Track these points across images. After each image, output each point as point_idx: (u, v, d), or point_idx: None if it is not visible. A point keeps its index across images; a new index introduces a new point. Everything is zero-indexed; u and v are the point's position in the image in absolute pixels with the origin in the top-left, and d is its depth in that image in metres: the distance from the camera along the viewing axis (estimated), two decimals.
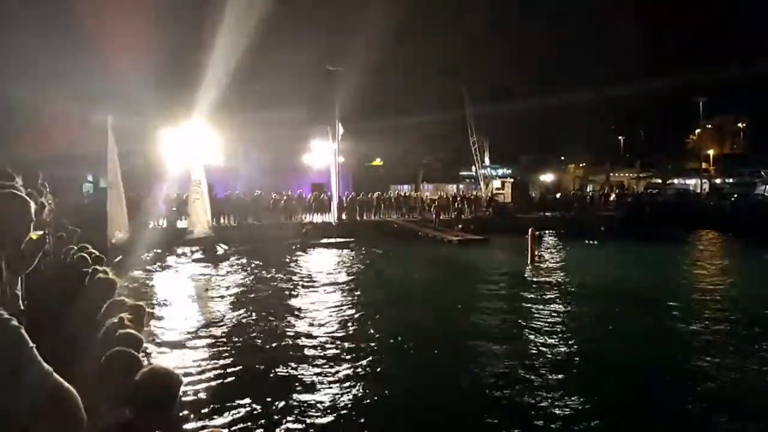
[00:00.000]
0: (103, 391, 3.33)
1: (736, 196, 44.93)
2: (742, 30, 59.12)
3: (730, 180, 52.94)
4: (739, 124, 62.98)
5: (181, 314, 12.40)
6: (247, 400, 7.56)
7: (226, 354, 9.63)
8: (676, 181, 55.48)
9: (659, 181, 54.41)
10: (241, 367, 8.93)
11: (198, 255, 21.31)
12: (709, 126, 61.79)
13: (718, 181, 54.20)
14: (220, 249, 21.68)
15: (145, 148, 29.77)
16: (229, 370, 8.77)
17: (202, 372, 8.68)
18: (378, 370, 8.97)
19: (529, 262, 19.79)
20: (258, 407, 7.39)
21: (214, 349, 9.87)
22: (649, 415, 7.52)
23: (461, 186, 48.79)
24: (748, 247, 25.36)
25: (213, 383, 8.23)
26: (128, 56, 27.57)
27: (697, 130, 62.64)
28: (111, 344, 3.98)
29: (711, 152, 58.52)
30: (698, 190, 50.97)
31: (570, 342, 10.65)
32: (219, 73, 30.08)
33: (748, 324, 11.91)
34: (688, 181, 55.23)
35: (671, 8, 59.19)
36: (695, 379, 8.74)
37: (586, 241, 26.68)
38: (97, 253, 6.11)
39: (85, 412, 2.11)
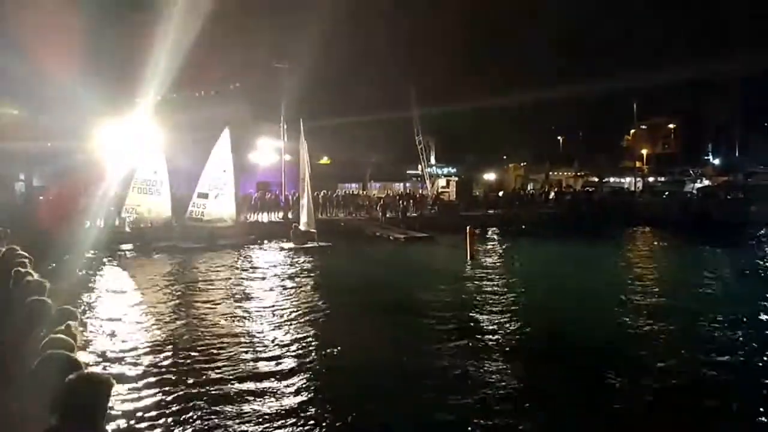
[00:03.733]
0: (36, 397, 3.30)
1: (667, 193, 47.18)
2: (676, 33, 61.88)
3: (662, 178, 55.55)
4: (670, 125, 66.06)
5: (118, 318, 12.11)
6: (183, 403, 7.55)
7: (162, 357, 9.52)
8: (611, 179, 57.71)
9: (596, 179, 56.45)
10: (174, 369, 8.88)
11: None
12: (643, 126, 64.58)
13: (651, 179, 56.73)
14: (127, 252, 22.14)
15: (82, 146, 28.73)
16: (164, 374, 8.71)
17: (138, 377, 8.55)
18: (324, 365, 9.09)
19: (468, 258, 20.36)
20: (195, 413, 7.38)
21: (150, 352, 9.72)
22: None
23: (408, 184, 49.22)
24: (676, 242, 26.86)
25: (149, 389, 8.12)
26: (63, 51, 26.57)
27: (632, 131, 65.32)
28: (42, 349, 3.94)
29: (645, 152, 61.24)
30: (632, 188, 53.21)
31: (503, 324, 11.61)
32: (160, 68, 29.37)
33: (661, 308, 12.94)
34: (623, 180, 57.58)
35: (606, 10, 61.34)
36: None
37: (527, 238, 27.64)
38: (26, 255, 5.96)
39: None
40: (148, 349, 9.84)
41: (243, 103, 36.52)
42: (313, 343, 10.35)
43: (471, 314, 12.57)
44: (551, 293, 15.00)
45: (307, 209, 24.10)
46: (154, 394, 7.85)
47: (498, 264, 20.28)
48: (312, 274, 18.18)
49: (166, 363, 9.17)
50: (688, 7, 61.52)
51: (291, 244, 23.59)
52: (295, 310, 13.03)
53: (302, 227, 23.93)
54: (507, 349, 10.12)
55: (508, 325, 11.69)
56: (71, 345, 4.26)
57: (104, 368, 8.56)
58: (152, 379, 8.42)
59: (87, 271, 17.51)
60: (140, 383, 8.23)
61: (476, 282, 16.52)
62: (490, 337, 10.86)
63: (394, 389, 8.21)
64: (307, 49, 37.22)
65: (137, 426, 6.94)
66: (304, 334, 10.96)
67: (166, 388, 8.09)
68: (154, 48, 28.95)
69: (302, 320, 12.06)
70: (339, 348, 10.02)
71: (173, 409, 7.38)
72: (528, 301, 14.12)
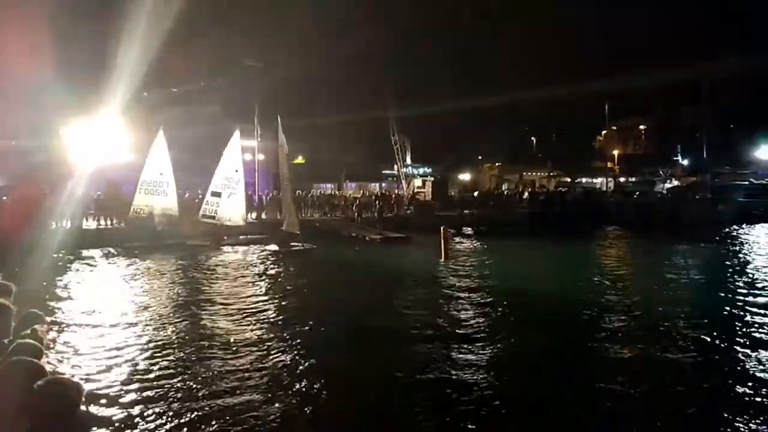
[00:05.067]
0: (3, 402, 3.16)
1: (638, 193, 48.06)
2: (646, 36, 63.28)
3: (633, 179, 56.60)
4: (641, 126, 67.42)
5: (86, 321, 11.71)
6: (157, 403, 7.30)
7: (133, 360, 9.21)
8: (584, 179, 58.57)
9: (568, 179, 57.23)
10: (148, 370, 8.61)
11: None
12: (615, 128, 65.77)
13: (622, 179, 57.76)
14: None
15: (47, 145, 28.01)
16: (135, 377, 8.42)
17: (107, 381, 8.24)
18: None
19: (443, 257, 20.42)
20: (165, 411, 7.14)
21: (120, 357, 9.38)
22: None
23: (384, 184, 49.19)
24: (646, 241, 27.37)
25: (117, 392, 7.84)
26: (27, 47, 25.84)
27: (604, 132, 66.47)
28: (8, 354, 3.74)
29: (616, 152, 62.37)
30: (604, 189, 54.08)
31: (474, 322, 11.84)
32: (130, 67, 28.78)
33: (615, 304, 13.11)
34: (594, 180, 58.48)
35: (582, 15, 62.41)
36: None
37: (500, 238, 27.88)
38: None
39: None
40: (117, 353, 9.51)
41: (215, 102, 36.06)
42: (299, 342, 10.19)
43: (444, 313, 12.71)
44: (523, 292, 15.14)
45: (288, 209, 23.94)
46: (125, 398, 7.58)
47: (472, 263, 20.32)
48: (296, 275, 18.01)
49: (136, 366, 8.88)
50: (660, 11, 62.98)
51: (275, 246, 23.27)
52: (279, 311, 12.85)
53: (284, 228, 23.66)
54: (478, 344, 10.25)
55: (478, 322, 11.86)
56: (38, 349, 4.05)
57: (72, 373, 8.23)
58: (123, 383, 8.13)
59: (53, 273, 16.96)
60: (110, 387, 7.93)
61: (450, 281, 16.74)
62: (462, 333, 11.01)
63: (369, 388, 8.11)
64: (281, 48, 36.95)
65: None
66: (290, 336, 10.77)
67: (137, 392, 7.81)
68: (123, 46, 28.38)
69: (288, 323, 11.87)
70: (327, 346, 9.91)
71: (142, 413, 7.13)
72: (499, 300, 14.21)
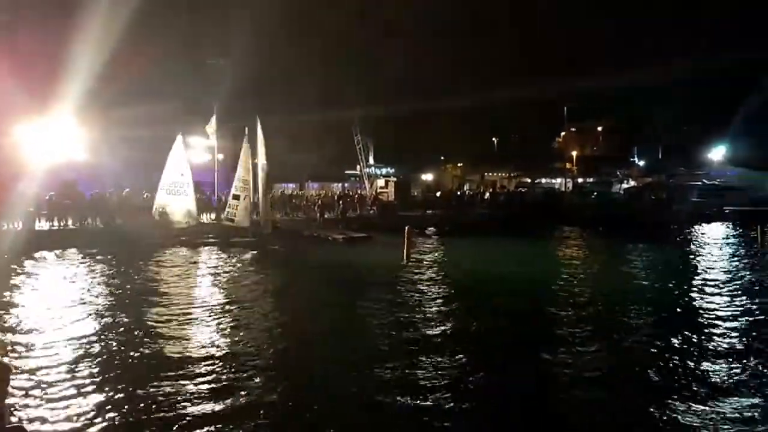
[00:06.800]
0: None
1: (595, 194, 49.19)
2: (605, 42, 64.80)
3: (591, 179, 57.92)
4: (599, 128, 69.06)
5: (40, 322, 11.40)
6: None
7: (84, 356, 9.08)
8: (543, 180, 59.65)
9: (528, 180, 58.19)
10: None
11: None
12: (573, 129, 67.18)
13: (580, 180, 59.05)
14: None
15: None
16: (84, 372, 8.27)
17: (57, 377, 8.09)
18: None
19: (405, 257, 20.55)
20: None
21: (71, 353, 9.22)
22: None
23: (347, 185, 49.07)
24: (601, 240, 28.11)
25: (67, 388, 7.74)
26: None
27: (563, 133, 67.87)
28: None
29: (575, 153, 63.76)
30: (563, 189, 55.16)
31: (431, 318, 12.38)
32: (86, 64, 28.08)
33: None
34: (554, 181, 59.63)
35: (541, 18, 63.62)
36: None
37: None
38: None
39: None
40: (67, 351, 9.31)
41: (174, 100, 35.43)
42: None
43: (407, 307, 13.12)
44: (480, 289, 15.68)
45: (266, 210, 24.63)
46: (73, 393, 7.53)
47: (431, 263, 20.61)
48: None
49: (86, 361, 8.79)
50: (620, 14, 64.69)
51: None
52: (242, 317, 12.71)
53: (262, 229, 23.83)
54: (433, 338, 10.69)
55: (435, 318, 12.31)
56: None
57: (19, 368, 8.06)
58: (73, 378, 8.08)
59: (3, 276, 16.39)
60: (59, 383, 7.81)
61: (411, 277, 17.16)
62: (422, 327, 11.46)
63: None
64: (242, 47, 36.57)
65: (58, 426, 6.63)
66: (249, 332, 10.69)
67: (87, 388, 7.76)
68: (78, 42, 27.69)
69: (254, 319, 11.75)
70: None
71: (90, 409, 7.04)
72: (457, 297, 14.68)
